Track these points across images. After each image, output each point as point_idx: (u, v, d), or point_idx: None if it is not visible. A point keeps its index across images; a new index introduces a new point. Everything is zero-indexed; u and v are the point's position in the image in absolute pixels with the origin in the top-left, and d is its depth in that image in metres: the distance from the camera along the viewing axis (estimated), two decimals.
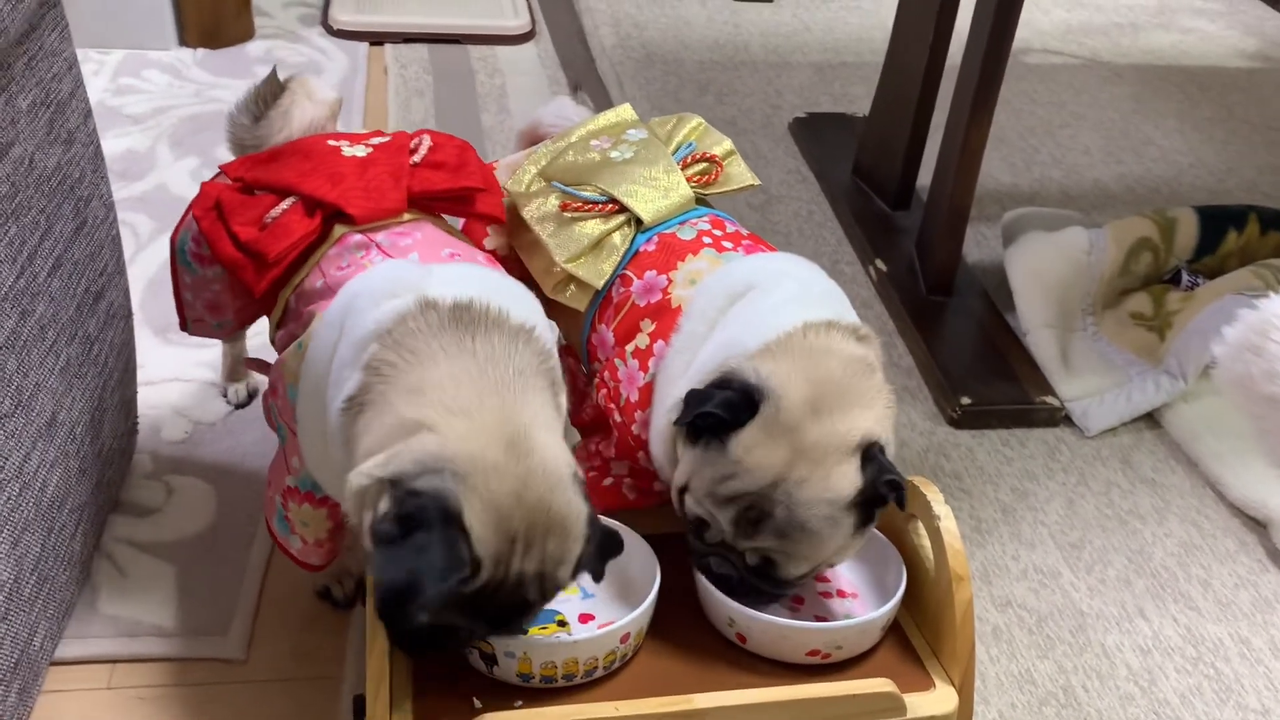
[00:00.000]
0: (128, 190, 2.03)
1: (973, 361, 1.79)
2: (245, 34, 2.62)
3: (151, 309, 1.73)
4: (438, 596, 0.79)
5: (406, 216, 1.11)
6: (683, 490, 1.04)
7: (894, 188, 2.11)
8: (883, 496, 1.00)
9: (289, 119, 1.24)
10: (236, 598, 1.31)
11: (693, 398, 1.01)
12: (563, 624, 1.05)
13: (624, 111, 1.33)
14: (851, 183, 2.21)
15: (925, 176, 2.00)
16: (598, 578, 0.93)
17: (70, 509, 1.20)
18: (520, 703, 0.96)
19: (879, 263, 1.98)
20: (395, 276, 0.99)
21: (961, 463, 1.64)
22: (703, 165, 1.24)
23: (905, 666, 1.05)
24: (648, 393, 1.09)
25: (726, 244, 1.15)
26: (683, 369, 1.07)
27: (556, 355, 1.00)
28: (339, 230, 1.09)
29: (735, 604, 1.03)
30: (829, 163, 2.28)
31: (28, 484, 1.09)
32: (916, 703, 1.01)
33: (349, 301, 0.99)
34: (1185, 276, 1.87)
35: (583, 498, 0.90)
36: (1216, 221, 1.90)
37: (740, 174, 1.25)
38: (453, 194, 1.14)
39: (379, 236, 1.08)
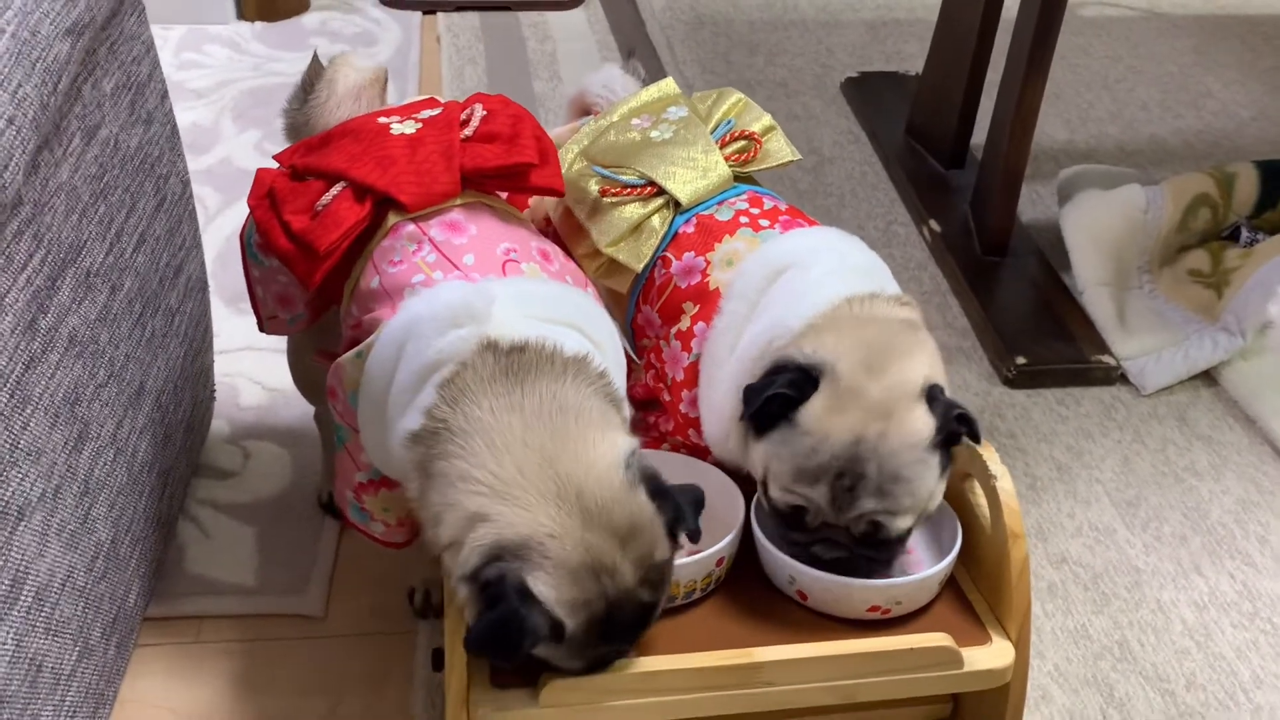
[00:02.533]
0: (194, 164, 2.08)
1: (1028, 321, 1.79)
2: (301, 6, 2.66)
3: (222, 280, 1.79)
4: (520, 652, 0.91)
5: (459, 200, 1.10)
6: (765, 482, 1.07)
7: (948, 147, 2.10)
8: (957, 433, 1.04)
9: (334, 87, 1.24)
10: (314, 557, 1.37)
11: (752, 391, 1.03)
12: None
13: (666, 86, 1.34)
14: (905, 142, 2.20)
15: (980, 135, 1.99)
16: (695, 537, 0.97)
17: (158, 473, 1.26)
18: None
19: (933, 223, 1.98)
20: (459, 302, 1.00)
21: (1017, 422, 1.65)
22: (741, 143, 1.25)
23: (963, 622, 1.08)
24: (693, 372, 1.12)
25: (763, 222, 1.17)
26: (727, 350, 1.10)
27: (611, 372, 1.03)
28: (392, 218, 1.08)
29: (796, 563, 1.06)
30: (882, 123, 2.27)
31: (121, 449, 1.15)
32: (974, 657, 1.04)
33: (410, 324, 1.00)
34: (1244, 232, 1.86)
35: (638, 486, 0.95)
36: (1277, 176, 1.88)
37: (779, 150, 1.26)
38: (506, 170, 1.12)
39: (433, 230, 1.07)
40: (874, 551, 1.05)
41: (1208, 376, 1.73)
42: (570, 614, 0.91)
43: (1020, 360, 1.71)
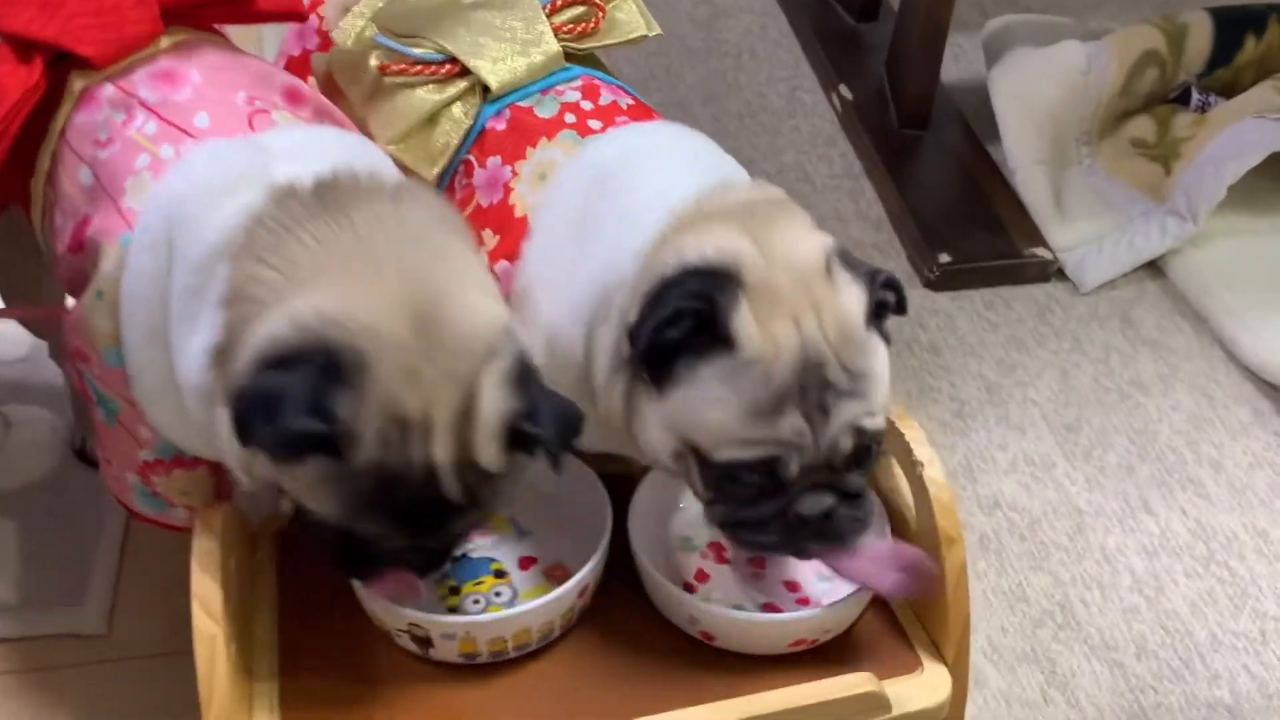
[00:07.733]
0: None
1: (952, 209, 1.60)
2: None
3: None
4: (286, 430, 0.69)
5: (165, 42, 0.88)
6: (697, 450, 0.81)
7: None
8: (885, 302, 0.82)
9: None
10: (93, 558, 1.14)
11: (639, 325, 0.79)
12: (501, 574, 0.92)
13: None
14: None
15: None
16: (556, 465, 0.75)
17: None
18: None
19: (843, 89, 1.76)
20: (225, 164, 0.81)
21: (939, 332, 1.46)
22: (578, 10, 1.00)
23: (887, 643, 0.88)
24: None
25: (593, 123, 0.93)
26: (541, 285, 0.88)
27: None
28: (78, 82, 0.86)
29: (701, 603, 0.87)
30: None
31: None
32: (902, 693, 0.84)
33: (171, 212, 0.81)
34: (1195, 95, 1.67)
35: (516, 360, 0.75)
36: (1233, 26, 1.68)
37: (629, 21, 1.02)
38: None
39: (141, 89, 0.86)
40: (855, 509, 0.82)
41: (1154, 268, 1.55)
42: (369, 441, 0.70)
43: (944, 258, 1.51)
